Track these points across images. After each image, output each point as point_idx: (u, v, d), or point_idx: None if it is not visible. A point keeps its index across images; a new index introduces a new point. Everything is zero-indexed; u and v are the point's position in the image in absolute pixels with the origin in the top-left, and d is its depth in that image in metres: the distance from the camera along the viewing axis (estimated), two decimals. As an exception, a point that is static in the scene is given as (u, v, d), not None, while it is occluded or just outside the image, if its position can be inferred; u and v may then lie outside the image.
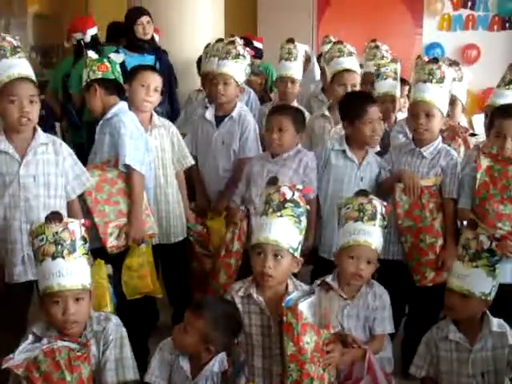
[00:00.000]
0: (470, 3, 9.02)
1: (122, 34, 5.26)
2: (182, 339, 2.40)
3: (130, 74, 3.68)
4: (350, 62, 4.27)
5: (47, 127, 4.64)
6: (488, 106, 3.85)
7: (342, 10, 8.98)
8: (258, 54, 6.45)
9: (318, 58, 5.82)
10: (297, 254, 2.58)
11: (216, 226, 3.77)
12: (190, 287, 3.76)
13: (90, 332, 2.39)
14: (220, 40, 4.90)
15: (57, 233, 2.34)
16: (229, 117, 3.96)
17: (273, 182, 2.65)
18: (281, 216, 2.53)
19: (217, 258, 3.52)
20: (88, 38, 5.36)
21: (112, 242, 3.23)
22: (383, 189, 3.39)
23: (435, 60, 3.44)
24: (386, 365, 2.79)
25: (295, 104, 4.56)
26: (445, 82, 3.32)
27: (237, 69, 3.96)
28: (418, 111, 3.31)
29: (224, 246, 3.48)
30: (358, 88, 4.23)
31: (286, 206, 2.55)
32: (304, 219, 2.60)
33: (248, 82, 4.83)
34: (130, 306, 3.17)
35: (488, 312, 2.59)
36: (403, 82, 4.68)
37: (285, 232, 2.53)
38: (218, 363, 2.39)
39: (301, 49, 4.67)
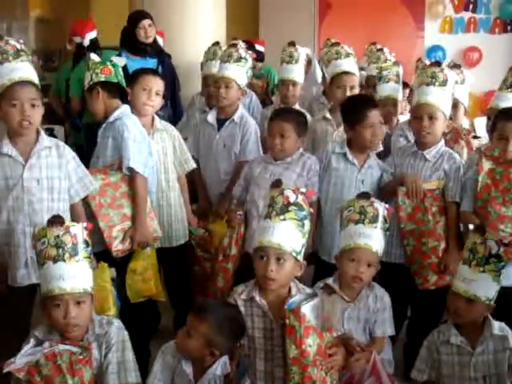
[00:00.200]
0: (471, 6, 9.02)
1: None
2: (186, 343, 2.40)
3: (132, 77, 3.68)
4: (348, 64, 4.27)
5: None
6: (490, 109, 3.85)
7: (343, 13, 8.99)
8: (259, 57, 6.46)
9: (320, 60, 5.81)
10: (300, 258, 2.57)
11: (218, 229, 3.77)
12: (192, 290, 3.75)
13: (92, 335, 2.39)
14: (216, 43, 4.91)
15: (58, 236, 2.34)
16: (230, 120, 3.97)
17: (277, 184, 2.65)
18: (284, 219, 2.53)
19: (215, 262, 3.53)
20: (87, 42, 5.37)
21: (117, 246, 3.23)
22: (386, 192, 3.39)
23: (438, 63, 3.44)
24: (387, 366, 2.78)
25: (297, 107, 4.57)
26: (447, 85, 3.32)
27: (239, 72, 3.96)
28: (422, 114, 3.31)
29: (222, 251, 3.49)
30: (357, 89, 4.22)
31: (290, 209, 2.54)
32: (308, 222, 2.59)
33: (250, 85, 4.84)
34: (131, 309, 3.17)
35: (489, 315, 2.59)
36: (404, 85, 4.67)
37: (288, 235, 2.53)
38: (220, 366, 2.39)
39: (302, 52, 4.67)
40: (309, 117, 4.52)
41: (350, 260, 2.72)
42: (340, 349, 2.47)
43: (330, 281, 2.78)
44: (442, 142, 3.41)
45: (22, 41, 3.00)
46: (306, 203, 2.60)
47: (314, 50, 7.98)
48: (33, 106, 2.83)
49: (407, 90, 4.83)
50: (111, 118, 3.36)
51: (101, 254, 3.03)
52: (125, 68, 3.80)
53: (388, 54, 5.19)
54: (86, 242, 2.40)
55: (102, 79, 3.45)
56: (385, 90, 4.40)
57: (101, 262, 2.90)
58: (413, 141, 3.63)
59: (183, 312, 3.34)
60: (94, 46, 5.36)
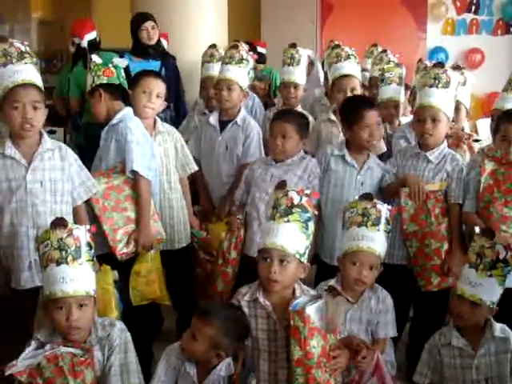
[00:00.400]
0: (473, 7, 9.04)
1: None
2: (193, 346, 2.39)
3: (133, 79, 3.68)
4: (349, 66, 4.26)
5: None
6: (495, 110, 3.85)
7: (345, 15, 9.00)
8: (261, 59, 6.46)
9: (323, 62, 5.81)
10: (303, 260, 2.57)
11: (216, 229, 3.76)
12: (195, 293, 3.75)
13: (95, 338, 2.39)
14: (213, 46, 4.91)
15: (61, 239, 2.34)
16: (233, 122, 3.96)
17: (281, 186, 2.65)
18: (288, 221, 2.53)
19: (215, 266, 3.52)
20: (85, 43, 5.37)
21: (121, 249, 3.23)
22: (388, 193, 3.38)
23: (441, 64, 3.43)
24: (389, 368, 2.77)
25: (299, 109, 4.56)
26: (450, 87, 3.31)
27: (240, 73, 3.96)
28: (425, 116, 3.30)
29: (221, 255, 3.49)
30: (358, 91, 4.22)
31: (294, 211, 2.54)
32: (311, 224, 2.59)
33: (252, 87, 4.83)
34: (134, 312, 3.17)
35: (491, 317, 2.59)
36: (406, 86, 4.67)
37: (291, 237, 2.52)
38: (224, 367, 2.39)
39: (304, 53, 4.66)
40: (311, 118, 4.52)
41: (353, 263, 2.72)
42: (343, 351, 2.47)
43: (332, 282, 2.78)
44: (445, 143, 3.41)
45: (26, 43, 2.98)
46: (311, 205, 2.60)
47: (316, 52, 7.99)
48: (35, 108, 2.83)
49: (409, 92, 4.82)
50: (114, 121, 3.36)
51: (103, 256, 3.03)
52: (127, 70, 3.80)
53: (391, 55, 5.19)
54: (89, 245, 2.40)
55: (104, 81, 3.44)
56: (387, 91, 4.39)
57: (103, 264, 2.90)
58: (414, 142, 3.63)
59: (186, 314, 3.35)
60: (94, 46, 5.35)
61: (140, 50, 5.12)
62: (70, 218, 2.88)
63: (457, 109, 3.87)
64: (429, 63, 4.73)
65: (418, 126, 3.36)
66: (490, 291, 2.50)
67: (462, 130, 4.19)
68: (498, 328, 2.58)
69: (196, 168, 3.82)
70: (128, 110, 3.42)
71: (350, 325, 2.73)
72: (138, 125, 3.39)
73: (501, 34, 9.00)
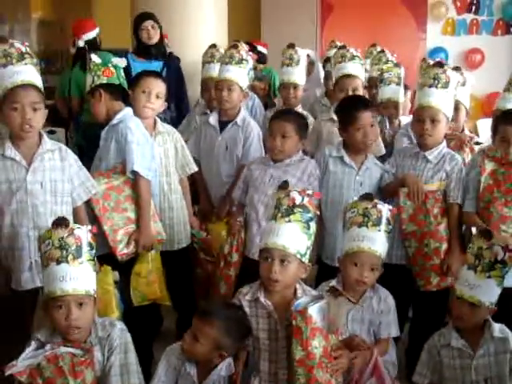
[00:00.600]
0: (473, 8, 9.04)
1: None
2: (195, 348, 2.39)
3: (134, 79, 3.68)
4: (352, 67, 4.27)
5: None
6: (496, 111, 3.84)
7: (345, 15, 9.01)
8: (261, 59, 6.46)
9: (324, 62, 5.81)
10: (305, 260, 2.57)
11: (216, 229, 3.76)
12: (195, 293, 3.75)
13: (95, 338, 2.39)
14: (213, 46, 4.90)
15: (62, 238, 2.34)
16: (233, 122, 3.96)
17: (284, 186, 2.65)
18: (289, 221, 2.53)
19: (216, 268, 3.51)
20: (81, 43, 5.38)
21: (122, 250, 3.23)
22: (387, 193, 3.38)
23: (440, 64, 3.43)
24: (391, 369, 2.78)
25: (299, 109, 4.56)
26: (449, 87, 3.31)
27: (240, 74, 3.95)
28: (424, 117, 3.30)
29: (223, 258, 3.46)
30: (360, 91, 4.22)
31: (295, 211, 2.54)
32: (313, 224, 2.59)
33: (251, 88, 4.83)
34: (134, 312, 3.17)
35: (489, 317, 2.59)
36: (405, 87, 4.67)
37: (293, 237, 2.53)
38: (225, 367, 2.39)
39: (303, 53, 4.66)
40: (311, 119, 4.53)
41: (354, 264, 2.72)
42: (345, 352, 2.47)
43: (333, 283, 2.78)
44: (444, 143, 3.41)
45: (27, 43, 2.98)
46: (312, 205, 2.60)
47: (316, 52, 7.99)
48: (34, 109, 2.82)
49: (408, 92, 4.83)
50: (114, 121, 3.36)
51: (104, 256, 3.03)
52: (126, 69, 3.80)
53: (389, 55, 5.19)
54: (91, 245, 2.40)
55: (104, 81, 3.44)
56: (386, 92, 4.40)
57: (104, 264, 2.90)
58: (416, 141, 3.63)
59: (186, 314, 3.36)
60: (93, 47, 5.35)
61: (142, 50, 5.12)
62: (70, 219, 2.88)
63: (456, 109, 3.87)
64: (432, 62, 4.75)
65: (418, 126, 3.36)
66: (488, 292, 2.50)
67: (462, 130, 4.18)
68: (497, 328, 2.57)
69: (196, 169, 3.82)
70: (128, 111, 3.42)
71: (352, 325, 2.74)
72: (138, 125, 3.38)
73: (501, 34, 9.00)
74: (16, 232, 2.86)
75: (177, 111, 5.03)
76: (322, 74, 6.05)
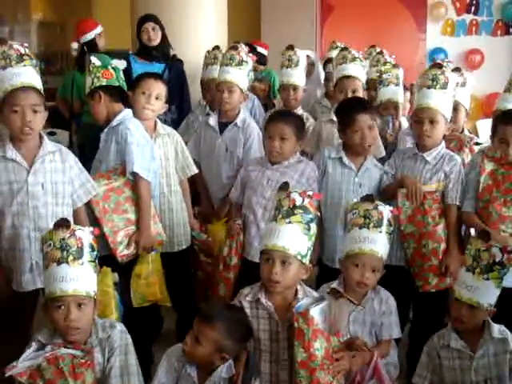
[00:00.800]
0: (473, 8, 9.04)
1: None
2: (197, 350, 2.39)
3: (134, 81, 3.69)
4: (352, 68, 4.26)
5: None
6: (496, 111, 3.82)
7: (345, 16, 9.01)
8: (261, 60, 6.45)
9: (325, 63, 5.81)
10: (305, 261, 2.57)
11: (216, 230, 3.76)
12: (195, 295, 3.74)
13: (96, 339, 2.39)
14: (216, 47, 4.90)
15: (64, 239, 2.35)
16: (233, 124, 3.96)
17: (284, 187, 2.65)
18: (290, 222, 2.53)
19: (215, 271, 3.50)
20: (75, 46, 5.39)
21: (122, 251, 3.23)
22: (386, 194, 3.38)
23: (439, 65, 3.43)
24: (392, 370, 2.78)
25: (300, 110, 4.56)
26: (448, 88, 3.31)
27: (240, 75, 3.94)
28: (422, 118, 3.30)
29: (222, 260, 3.45)
30: (360, 93, 4.21)
31: (296, 212, 2.54)
32: (314, 226, 2.59)
33: (251, 89, 4.83)
34: (134, 313, 3.17)
35: (489, 318, 2.59)
36: (404, 87, 4.67)
37: (293, 238, 2.53)
38: (225, 368, 2.39)
39: (302, 54, 4.65)
40: (311, 120, 4.53)
41: (355, 265, 2.72)
42: (346, 353, 2.47)
43: (335, 284, 2.79)
44: (443, 144, 3.40)
45: (26, 44, 2.97)
46: (313, 206, 2.60)
47: (316, 52, 7.98)
48: (35, 111, 2.82)
49: (408, 93, 4.83)
50: (114, 122, 3.36)
51: (104, 258, 3.02)
52: (126, 71, 3.80)
53: (387, 56, 5.19)
54: (92, 247, 2.41)
55: (104, 83, 3.44)
56: (385, 93, 4.39)
57: (104, 266, 2.90)
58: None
59: (186, 316, 3.36)
60: (91, 48, 5.36)
61: (143, 51, 5.11)
62: (71, 220, 2.89)
63: (455, 109, 3.87)
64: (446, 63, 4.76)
65: (416, 128, 3.36)
66: (487, 294, 2.50)
67: (462, 131, 4.18)
68: (496, 329, 2.58)
69: (196, 170, 3.82)
70: (128, 112, 3.42)
71: (353, 327, 2.74)
72: (138, 126, 3.39)
73: (500, 34, 9.00)
74: (17, 233, 2.86)
75: (178, 113, 5.01)
76: (322, 74, 6.05)
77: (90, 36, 5.47)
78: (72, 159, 3.01)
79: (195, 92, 5.28)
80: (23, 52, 2.87)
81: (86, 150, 4.50)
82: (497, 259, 2.48)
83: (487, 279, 2.49)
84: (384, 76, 4.40)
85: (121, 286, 3.02)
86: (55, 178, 2.91)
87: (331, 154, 3.48)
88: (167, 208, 3.61)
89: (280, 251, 2.51)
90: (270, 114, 3.89)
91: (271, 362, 2.57)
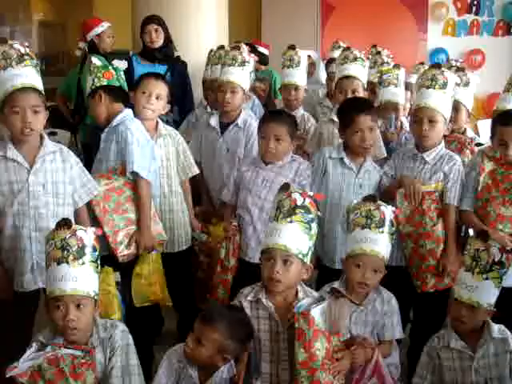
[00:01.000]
0: (474, 8, 9.04)
1: None
2: (199, 352, 2.39)
3: (136, 81, 3.69)
4: (353, 68, 4.24)
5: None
6: (496, 111, 3.82)
7: (346, 16, 9.01)
8: (263, 60, 6.45)
9: (327, 63, 5.80)
10: (307, 260, 2.57)
11: (216, 231, 3.75)
12: (195, 296, 3.74)
13: (97, 339, 2.40)
14: (221, 47, 4.89)
15: (64, 238, 2.36)
16: (234, 124, 3.96)
17: (285, 188, 2.64)
18: (291, 222, 2.53)
19: (213, 273, 3.48)
20: (82, 45, 5.39)
21: (123, 251, 3.23)
22: (386, 195, 3.37)
23: (438, 65, 3.43)
24: (393, 370, 2.78)
25: (301, 110, 4.55)
26: (447, 88, 3.31)
27: (243, 76, 3.94)
28: (421, 117, 3.29)
29: (219, 262, 3.44)
30: (361, 93, 4.19)
31: (297, 211, 2.54)
32: (315, 225, 2.59)
33: (252, 89, 4.82)
34: (135, 313, 3.17)
35: (489, 318, 2.59)
36: (406, 87, 4.66)
37: (294, 238, 2.53)
38: (227, 369, 2.39)
39: (303, 55, 4.64)
40: (312, 120, 4.52)
41: (356, 266, 2.72)
42: (347, 353, 2.47)
43: (336, 284, 2.79)
44: (443, 144, 3.40)
45: (26, 44, 2.96)
46: (314, 206, 2.60)
47: (317, 52, 7.98)
48: (35, 112, 2.82)
49: (409, 93, 4.82)
50: (114, 122, 3.36)
51: (105, 257, 3.03)
52: (128, 72, 3.80)
53: (385, 56, 5.18)
54: (94, 247, 2.41)
55: (104, 83, 3.44)
56: (385, 94, 4.39)
57: (105, 266, 2.90)
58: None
59: (186, 316, 3.36)
60: (91, 48, 5.36)
61: (146, 53, 5.11)
62: (72, 220, 2.89)
63: (456, 109, 3.86)
64: (455, 62, 4.77)
65: (415, 128, 3.35)
66: (486, 294, 2.50)
67: (464, 132, 4.17)
68: (496, 329, 2.58)
69: (197, 171, 3.81)
70: (128, 112, 3.42)
71: (355, 327, 2.74)
72: (138, 126, 3.39)
73: (501, 34, 9.00)
74: (18, 233, 2.86)
75: (180, 115, 4.99)
76: (323, 74, 6.05)
77: (95, 33, 5.46)
78: (73, 159, 3.01)
79: (195, 92, 5.28)
80: (24, 52, 2.86)
81: (94, 151, 4.51)
82: (496, 259, 2.48)
83: (486, 279, 2.49)
84: (384, 77, 4.39)
85: (122, 286, 3.02)
86: (56, 178, 2.91)
87: (332, 154, 3.47)
88: (168, 208, 3.61)
89: (281, 250, 2.51)
90: (263, 115, 3.84)
91: (272, 362, 2.57)
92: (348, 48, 4.45)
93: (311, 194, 2.63)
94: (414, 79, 4.80)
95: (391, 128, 4.31)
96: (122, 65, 3.55)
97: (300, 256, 2.53)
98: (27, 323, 2.91)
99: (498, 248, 2.49)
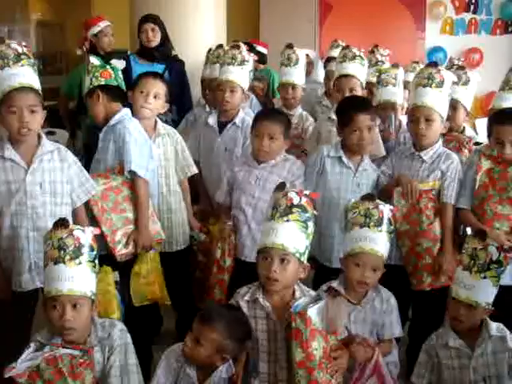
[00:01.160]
0: (472, 7, 9.04)
1: None
2: (198, 352, 2.39)
3: (135, 81, 3.68)
4: (351, 67, 4.24)
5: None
6: (492, 110, 3.82)
7: (344, 15, 9.00)
8: (261, 59, 6.44)
9: (326, 62, 5.80)
10: (304, 259, 2.57)
11: (214, 231, 3.74)
12: (194, 296, 3.73)
13: (95, 338, 2.39)
14: (220, 46, 4.88)
15: (61, 238, 2.35)
16: (232, 123, 3.96)
17: (281, 187, 2.64)
18: (287, 221, 2.53)
19: (209, 274, 3.47)
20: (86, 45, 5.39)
21: (121, 250, 3.23)
22: (384, 194, 3.36)
23: (434, 64, 3.43)
24: (393, 369, 2.78)
25: (299, 109, 4.54)
26: (444, 86, 3.31)
27: (242, 75, 3.95)
28: (418, 116, 3.30)
29: (215, 263, 3.44)
30: (359, 92, 4.18)
31: (293, 210, 2.54)
32: (311, 224, 2.59)
33: (250, 88, 4.81)
34: (134, 313, 3.17)
35: (487, 317, 2.59)
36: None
37: (291, 236, 2.52)
38: (225, 368, 2.39)
39: (301, 53, 4.64)
40: (311, 120, 4.51)
41: (356, 265, 2.72)
42: (344, 352, 2.47)
43: (335, 283, 2.79)
44: (440, 142, 3.40)
45: (24, 43, 2.96)
46: (310, 205, 2.59)
47: (316, 51, 7.98)
48: (32, 111, 2.82)
49: (407, 91, 4.82)
50: (112, 122, 3.36)
51: (104, 257, 3.03)
52: (126, 71, 3.79)
53: (379, 55, 5.17)
54: (91, 247, 2.40)
55: (102, 82, 3.43)
56: (384, 93, 4.38)
57: (104, 265, 2.90)
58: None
59: (185, 315, 3.36)
60: (91, 48, 5.35)
61: (144, 52, 5.10)
62: (70, 220, 2.89)
63: (454, 108, 3.86)
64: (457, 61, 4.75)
65: (412, 126, 3.36)
66: (484, 292, 2.51)
67: (463, 131, 4.17)
68: (494, 327, 2.58)
69: (196, 171, 3.81)
70: (126, 111, 3.42)
71: (354, 326, 2.74)
72: (136, 125, 3.38)
73: (499, 33, 9.00)
74: (15, 233, 2.86)
75: (178, 114, 4.99)
76: (321, 73, 6.04)
77: (92, 32, 5.45)
78: (71, 158, 3.00)
79: (194, 91, 5.27)
80: (21, 51, 2.86)
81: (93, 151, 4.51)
82: (494, 258, 2.48)
83: (485, 278, 2.49)
84: (382, 76, 4.38)
85: (121, 286, 3.02)
86: (54, 178, 2.91)
87: (330, 153, 3.46)
88: (166, 208, 3.61)
89: (279, 249, 2.51)
90: (257, 113, 3.82)
91: (269, 361, 2.56)
92: (347, 46, 4.45)
93: (307, 192, 2.63)
94: (411, 78, 4.80)
95: (391, 126, 4.30)
96: (120, 64, 3.55)
97: (297, 255, 2.53)
98: (25, 323, 2.91)
99: (495, 247, 2.50)
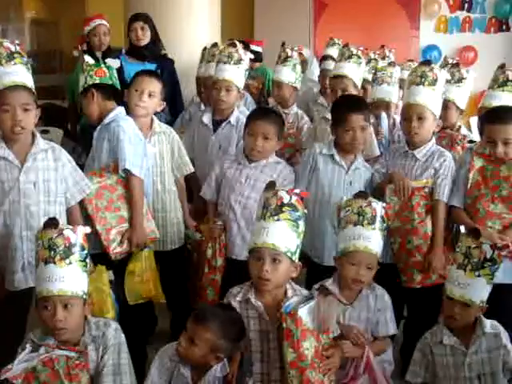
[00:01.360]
0: (466, 5, 9.05)
1: None
2: (192, 352, 2.38)
3: (131, 79, 3.68)
4: (346, 66, 4.24)
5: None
6: (482, 108, 3.82)
7: (338, 13, 9.01)
8: (257, 57, 6.44)
9: (321, 60, 5.80)
10: (295, 258, 2.57)
11: (207, 229, 3.73)
12: (189, 295, 3.73)
13: (89, 337, 2.39)
14: (215, 45, 4.87)
15: (51, 238, 2.35)
16: (226, 122, 3.95)
17: (271, 186, 2.64)
18: (278, 220, 2.52)
19: (201, 275, 3.46)
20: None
21: (115, 249, 3.23)
22: (378, 192, 3.36)
23: (428, 62, 3.43)
24: (387, 367, 2.79)
25: (294, 108, 4.53)
26: (437, 85, 3.31)
27: (238, 74, 3.94)
28: (411, 114, 3.30)
29: (206, 263, 3.43)
30: (352, 91, 4.17)
31: (284, 209, 2.54)
32: (302, 223, 2.59)
33: (245, 86, 4.80)
34: (128, 312, 3.16)
35: (481, 314, 2.60)
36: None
37: (282, 236, 2.52)
38: (219, 368, 2.39)
39: (292, 52, 4.62)
40: (306, 118, 4.51)
41: (350, 263, 2.72)
42: (337, 350, 2.47)
43: (328, 282, 2.78)
44: (433, 140, 3.41)
45: (17, 42, 2.96)
46: (301, 204, 2.59)
47: (310, 50, 7.97)
48: (25, 110, 2.82)
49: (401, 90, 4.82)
50: (106, 120, 3.35)
51: (98, 256, 3.03)
52: (120, 70, 3.79)
53: (372, 53, 5.17)
54: (82, 246, 2.39)
55: (97, 81, 3.43)
56: (378, 92, 4.38)
57: (98, 264, 2.89)
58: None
59: (180, 315, 3.35)
60: (87, 47, 5.34)
61: (134, 51, 5.07)
62: (63, 219, 2.89)
63: (446, 107, 3.85)
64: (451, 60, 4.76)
65: (405, 125, 3.36)
66: (479, 291, 2.52)
67: (458, 129, 4.16)
68: (489, 324, 2.59)
69: (192, 169, 3.80)
70: (120, 110, 3.41)
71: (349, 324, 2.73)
72: (131, 124, 3.38)
73: (493, 31, 9.01)
74: (9, 232, 2.86)
75: (171, 114, 4.97)
76: (316, 71, 6.04)
77: (86, 31, 5.44)
78: (65, 157, 3.00)
79: (187, 90, 5.27)
80: (14, 50, 2.87)
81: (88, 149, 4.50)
82: (487, 256, 2.49)
83: (479, 276, 2.50)
84: (378, 74, 4.39)
85: (115, 285, 3.01)
86: (47, 176, 2.90)
87: (323, 150, 3.45)
88: (160, 207, 3.60)
89: (270, 248, 2.50)
90: (251, 112, 3.81)
91: (262, 361, 2.56)
92: (346, 45, 4.44)
93: (297, 191, 2.63)
94: (406, 76, 4.80)
95: (380, 126, 4.29)
96: (114, 64, 3.54)
97: (288, 254, 2.53)
98: (19, 322, 2.91)
99: (489, 245, 2.50)
